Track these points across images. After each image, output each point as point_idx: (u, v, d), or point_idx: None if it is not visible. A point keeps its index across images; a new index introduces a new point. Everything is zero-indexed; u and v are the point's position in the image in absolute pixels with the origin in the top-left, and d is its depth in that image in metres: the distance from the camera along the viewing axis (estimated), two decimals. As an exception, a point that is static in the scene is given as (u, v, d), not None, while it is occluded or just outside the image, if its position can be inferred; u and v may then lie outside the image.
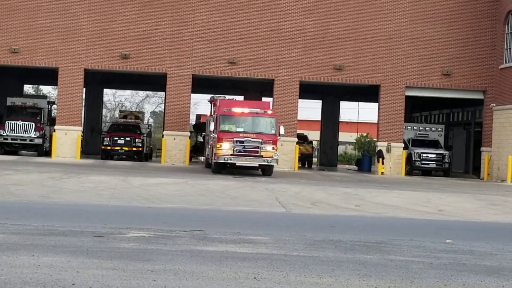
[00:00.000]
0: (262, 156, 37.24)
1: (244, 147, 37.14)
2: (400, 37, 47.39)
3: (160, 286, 10.03)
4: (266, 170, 38.31)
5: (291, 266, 12.00)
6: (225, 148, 37.04)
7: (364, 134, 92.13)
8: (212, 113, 42.68)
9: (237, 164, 37.55)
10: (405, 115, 49.81)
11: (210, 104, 44.67)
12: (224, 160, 37.21)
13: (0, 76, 56.55)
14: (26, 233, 14.60)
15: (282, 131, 38.54)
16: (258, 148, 37.21)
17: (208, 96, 47.06)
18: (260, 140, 37.32)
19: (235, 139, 37.21)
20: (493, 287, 11.16)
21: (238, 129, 38.16)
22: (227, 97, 46.71)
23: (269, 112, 39.29)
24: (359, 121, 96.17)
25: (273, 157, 37.42)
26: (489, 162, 46.83)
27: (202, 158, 53.26)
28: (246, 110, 38.85)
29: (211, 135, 39.65)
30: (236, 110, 38.74)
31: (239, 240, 14.99)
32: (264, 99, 58.05)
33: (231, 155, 37.01)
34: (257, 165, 37.98)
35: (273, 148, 37.51)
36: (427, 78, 47.69)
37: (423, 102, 59.99)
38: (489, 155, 46.89)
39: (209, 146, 41.44)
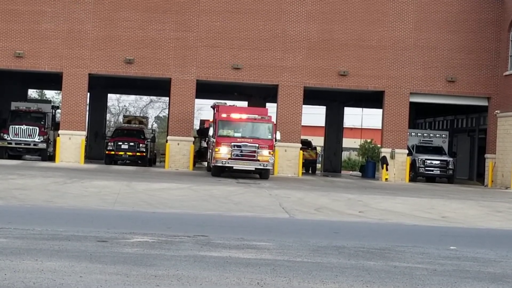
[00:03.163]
0: (258, 160, 38.79)
1: (241, 152, 38.73)
2: (404, 44, 47.36)
3: (164, 292, 10.03)
4: (262, 174, 39.78)
5: (295, 272, 11.99)
6: (223, 152, 38.68)
7: (368, 140, 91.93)
8: (213, 119, 43.46)
9: (234, 168, 39.15)
10: (409, 121, 49.77)
11: (212, 110, 45.34)
12: (222, 163, 38.85)
13: (4, 80, 56.61)
14: (29, 237, 14.61)
15: (278, 136, 40.25)
16: (255, 153, 38.77)
17: (212, 102, 47.25)
18: (257, 145, 38.89)
19: (232, 143, 38.84)
20: (497, 294, 11.15)
21: (236, 134, 39.89)
22: (230, 103, 47.35)
23: (266, 118, 40.77)
24: (363, 127, 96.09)
25: (269, 161, 39.00)
26: (493, 168, 46.76)
27: (206, 163, 53.31)
28: (244, 116, 40.60)
29: (211, 140, 41.34)
30: (234, 116, 40.45)
31: (243, 245, 14.98)
32: (268, 104, 58.07)
33: (229, 159, 38.68)
34: (254, 169, 39.40)
35: (269, 153, 39.05)
36: (431, 84, 47.64)
37: (427, 109, 59.96)
38: (493, 162, 46.81)
39: (210, 151, 42.80)
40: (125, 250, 13.50)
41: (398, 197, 31.21)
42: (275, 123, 42.30)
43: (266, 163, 38.79)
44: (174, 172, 42.77)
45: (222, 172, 39.79)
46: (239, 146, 38.75)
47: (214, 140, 39.79)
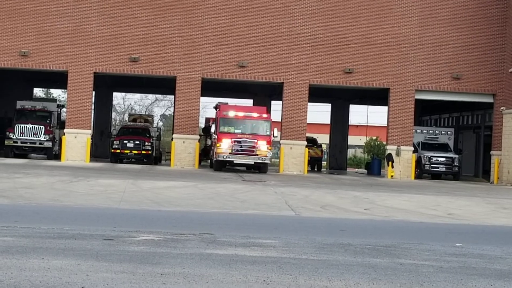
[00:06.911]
0: (257, 155, 41.75)
1: (241, 147, 41.66)
2: (409, 41, 47.31)
3: (170, 290, 10.03)
4: (261, 168, 42.68)
5: (301, 269, 11.99)
6: (224, 147, 41.60)
7: (374, 138, 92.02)
8: (215, 117, 45.86)
9: (234, 162, 42.22)
10: (415, 118, 49.75)
11: (215, 111, 46.28)
12: (224, 158, 41.74)
13: (10, 79, 56.71)
14: (35, 236, 14.63)
15: (275, 133, 43.15)
16: (254, 148, 41.73)
17: (218, 100, 47.63)
18: (256, 140, 41.83)
19: (233, 139, 41.72)
20: (503, 291, 11.13)
21: (236, 131, 42.72)
22: (235, 101, 48.69)
23: (264, 116, 43.67)
24: (368, 124, 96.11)
25: (267, 156, 41.93)
26: (499, 165, 46.71)
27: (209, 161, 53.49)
28: (244, 114, 43.58)
29: (213, 136, 44.13)
30: (235, 113, 43.28)
31: (249, 243, 14.97)
32: (273, 102, 58.23)
33: (230, 153, 41.64)
34: (253, 163, 42.32)
35: (267, 148, 41.97)
36: (436, 81, 47.60)
37: (432, 106, 59.90)
38: (499, 159, 46.77)
39: (212, 148, 45.02)
40: (131, 248, 13.50)
41: (404, 195, 31.16)
42: (273, 120, 43.99)
43: (264, 157, 41.74)
44: (180, 170, 42.82)
45: (224, 166, 42.73)
46: (239, 142, 41.57)
47: (216, 136, 42.39)
